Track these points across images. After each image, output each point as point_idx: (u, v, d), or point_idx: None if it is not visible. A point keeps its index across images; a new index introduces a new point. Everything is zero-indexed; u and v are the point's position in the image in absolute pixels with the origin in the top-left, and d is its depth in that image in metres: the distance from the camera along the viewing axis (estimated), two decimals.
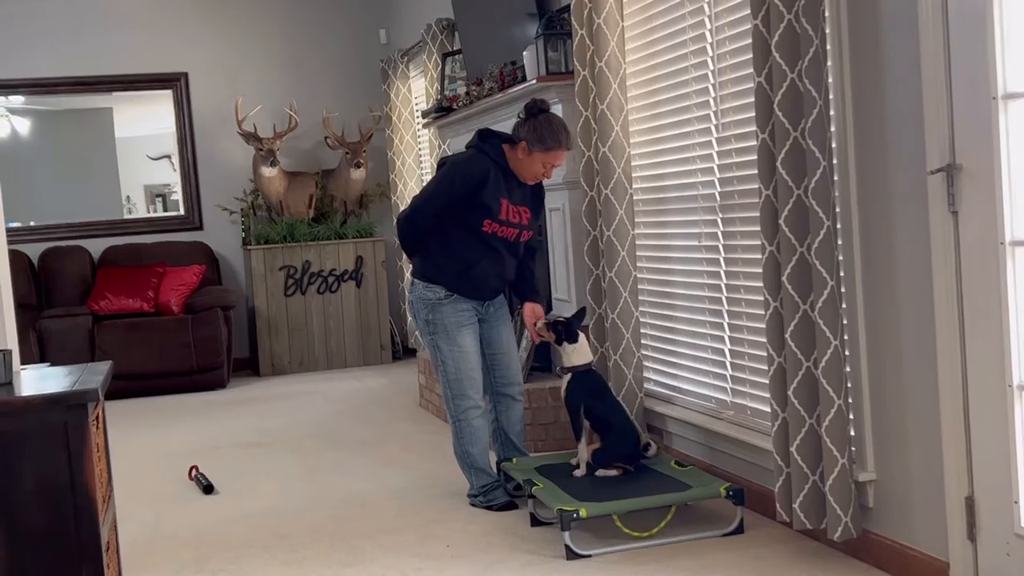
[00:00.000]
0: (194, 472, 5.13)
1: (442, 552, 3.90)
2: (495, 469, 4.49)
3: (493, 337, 4.50)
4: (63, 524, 2.51)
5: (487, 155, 4.30)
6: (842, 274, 3.38)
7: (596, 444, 4.22)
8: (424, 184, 4.21)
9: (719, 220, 4.23)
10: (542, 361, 5.50)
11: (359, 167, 8.56)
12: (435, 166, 4.46)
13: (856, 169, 3.34)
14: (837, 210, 3.35)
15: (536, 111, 4.28)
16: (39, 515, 2.49)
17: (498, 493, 4.39)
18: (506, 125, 5.78)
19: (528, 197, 4.40)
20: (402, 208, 4.24)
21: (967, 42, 2.88)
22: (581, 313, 4.46)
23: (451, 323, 4.34)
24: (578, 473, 4.19)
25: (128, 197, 8.96)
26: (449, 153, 4.39)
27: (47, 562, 2.51)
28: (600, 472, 4.16)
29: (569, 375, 4.29)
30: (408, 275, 4.42)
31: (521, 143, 4.26)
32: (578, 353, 4.30)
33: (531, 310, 4.48)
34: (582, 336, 4.35)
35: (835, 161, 3.35)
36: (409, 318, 4.41)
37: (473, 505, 4.41)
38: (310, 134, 8.89)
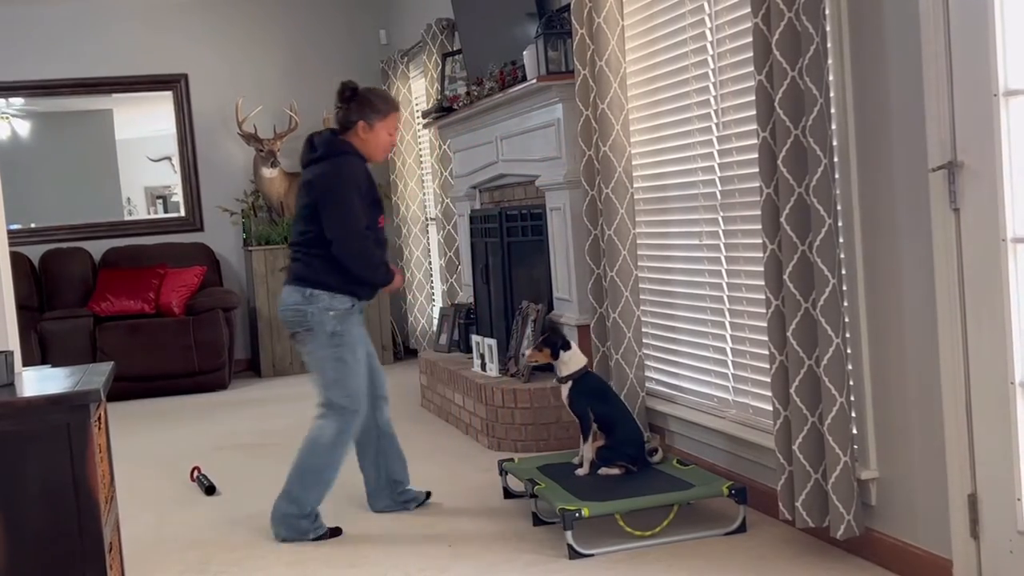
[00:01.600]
0: (196, 473, 5.13)
1: (444, 552, 3.90)
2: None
3: (369, 345, 4.36)
4: (66, 525, 2.51)
5: (350, 154, 4.17)
6: (843, 272, 3.38)
7: (600, 442, 4.23)
8: (339, 206, 4.07)
9: (720, 219, 4.22)
10: None
11: None
12: (304, 190, 4.20)
13: (857, 167, 3.34)
14: (838, 208, 3.35)
15: (350, 93, 4.22)
16: (41, 516, 2.49)
17: (320, 521, 4.16)
18: (508, 125, 5.80)
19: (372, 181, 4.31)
20: (340, 235, 4.03)
21: (968, 39, 2.87)
22: (556, 328, 4.43)
23: (356, 335, 4.20)
24: (581, 472, 4.18)
25: (129, 199, 8.97)
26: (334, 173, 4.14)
27: (50, 563, 2.50)
28: (603, 470, 4.16)
29: (569, 382, 4.29)
30: (292, 286, 4.19)
31: (359, 124, 4.18)
32: (574, 359, 4.29)
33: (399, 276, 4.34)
34: (573, 342, 4.35)
35: (836, 159, 3.34)
36: (297, 331, 4.21)
37: (285, 540, 4.12)
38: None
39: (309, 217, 4.16)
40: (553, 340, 4.32)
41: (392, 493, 4.45)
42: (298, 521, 4.14)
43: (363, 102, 4.21)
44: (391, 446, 4.45)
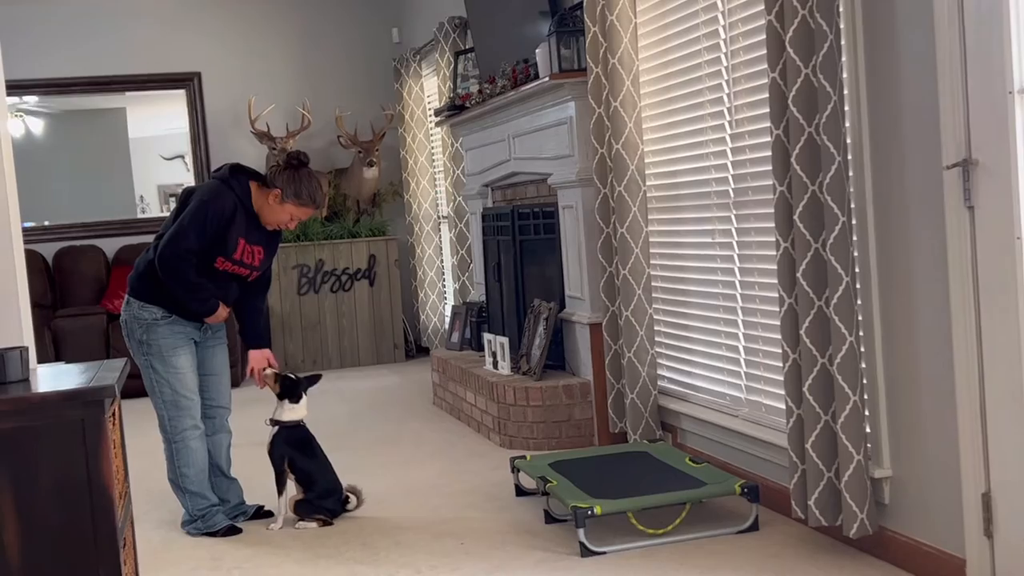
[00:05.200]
0: None
1: (456, 549, 3.90)
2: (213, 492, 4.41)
3: (206, 358, 4.41)
4: (80, 521, 2.51)
5: (234, 191, 4.22)
6: (857, 270, 3.37)
7: (299, 496, 4.32)
8: (186, 215, 4.17)
9: (733, 216, 4.22)
10: (555, 359, 5.49)
11: (372, 166, 8.56)
12: (182, 198, 4.34)
13: (871, 164, 3.33)
14: (852, 206, 3.34)
15: (297, 163, 4.27)
16: (56, 512, 2.50)
17: (219, 518, 4.33)
18: (520, 123, 5.80)
19: (264, 238, 4.31)
20: (164, 245, 4.19)
21: (983, 36, 2.86)
22: (315, 378, 4.45)
23: (165, 344, 4.25)
24: (274, 526, 4.29)
25: (142, 197, 8.99)
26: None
27: (64, 559, 2.51)
28: (300, 524, 4.28)
29: (276, 428, 4.34)
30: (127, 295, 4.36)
31: (275, 190, 4.23)
32: (293, 411, 4.35)
33: (258, 357, 4.41)
34: (304, 399, 4.37)
35: (850, 156, 3.34)
36: (124, 337, 4.39)
37: (189, 533, 4.32)
38: (323, 133, 8.89)
39: (168, 226, 4.26)
40: (297, 386, 4.36)
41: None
42: (190, 525, 4.35)
43: (296, 180, 4.24)
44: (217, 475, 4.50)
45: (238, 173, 4.29)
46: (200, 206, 4.16)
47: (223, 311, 4.31)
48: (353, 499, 4.38)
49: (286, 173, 4.24)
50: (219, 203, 4.17)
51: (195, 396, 4.33)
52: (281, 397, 4.35)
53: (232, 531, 4.31)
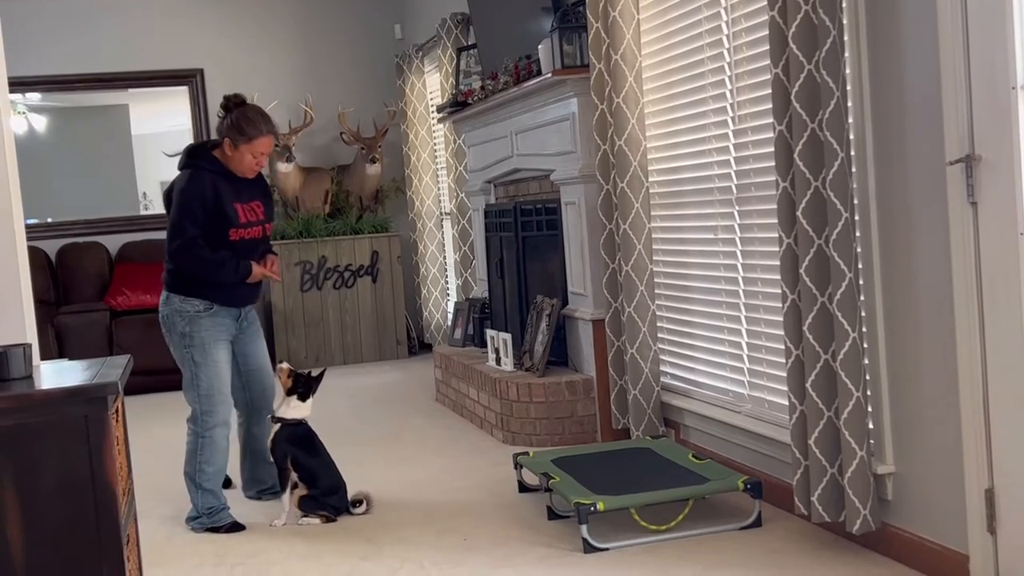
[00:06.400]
0: None
1: (459, 545, 3.90)
2: (223, 494, 4.44)
3: (248, 351, 4.52)
4: (83, 518, 2.51)
5: (203, 168, 4.31)
6: (860, 266, 3.36)
7: (303, 491, 4.32)
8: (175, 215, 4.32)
9: (736, 212, 4.21)
10: (558, 355, 5.50)
11: (374, 162, 8.56)
12: (166, 197, 4.49)
13: (874, 160, 3.33)
14: (855, 202, 3.33)
15: (230, 105, 4.33)
16: (59, 509, 2.50)
17: (224, 515, 4.35)
18: (522, 120, 5.80)
19: (256, 190, 4.43)
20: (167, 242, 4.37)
21: (986, 32, 2.86)
22: (321, 375, 4.45)
23: (208, 336, 4.33)
24: (278, 523, 4.29)
25: (145, 193, 8.99)
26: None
27: (67, 556, 2.51)
28: (303, 520, 4.28)
29: (278, 425, 4.34)
30: (164, 291, 4.45)
31: (225, 141, 4.31)
32: (297, 410, 4.34)
33: (257, 267, 4.40)
34: (311, 399, 4.38)
35: (853, 152, 3.33)
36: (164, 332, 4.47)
37: (193, 529, 4.34)
38: (326, 130, 8.90)
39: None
40: (309, 385, 4.36)
41: (258, 487, 4.69)
42: (195, 521, 4.36)
43: (233, 122, 4.31)
44: (251, 462, 4.66)
45: (197, 151, 4.40)
46: (180, 196, 4.27)
47: (257, 268, 4.38)
48: (363, 505, 4.38)
49: (224, 122, 4.33)
50: (194, 186, 4.27)
51: (228, 393, 4.40)
52: (289, 393, 4.35)
53: (236, 527, 4.31)
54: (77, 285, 8.36)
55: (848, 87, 3.30)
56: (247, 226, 4.34)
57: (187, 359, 4.35)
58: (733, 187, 4.22)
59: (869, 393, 3.39)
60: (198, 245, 4.25)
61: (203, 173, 4.29)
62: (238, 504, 4.64)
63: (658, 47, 4.73)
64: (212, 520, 4.33)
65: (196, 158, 4.36)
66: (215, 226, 4.27)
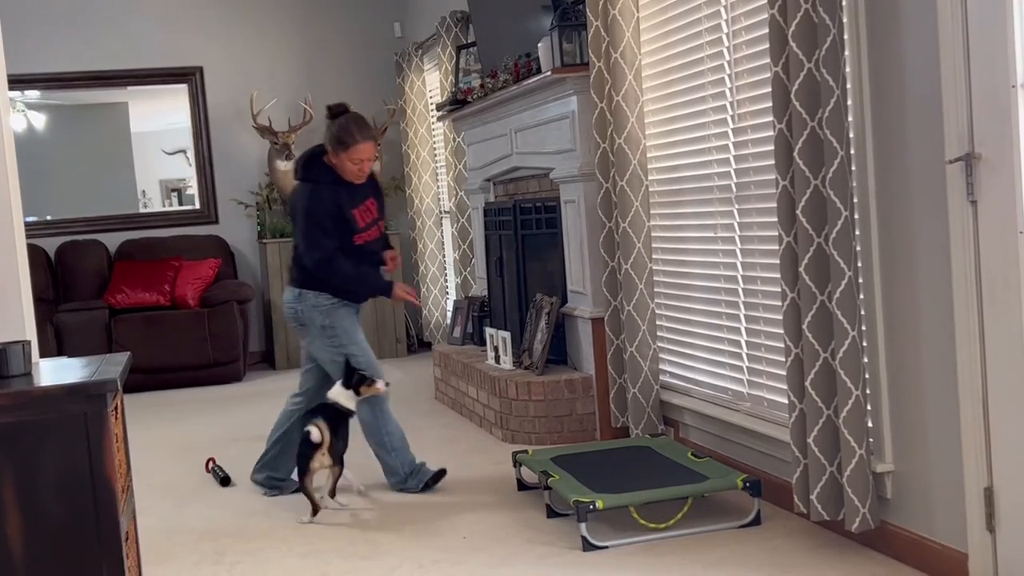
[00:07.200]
0: (211, 464, 5.15)
1: (458, 543, 3.90)
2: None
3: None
4: (83, 515, 2.51)
5: (319, 181, 4.47)
6: (860, 264, 3.36)
7: (331, 474, 4.37)
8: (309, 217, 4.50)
9: (735, 211, 4.21)
10: (557, 354, 5.50)
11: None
12: (290, 206, 4.72)
13: (874, 159, 3.33)
14: (855, 200, 3.33)
15: (332, 115, 4.49)
16: (58, 506, 2.50)
17: (425, 470, 4.59)
18: (522, 118, 5.80)
19: (367, 189, 4.58)
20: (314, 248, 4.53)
21: (986, 31, 2.86)
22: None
23: (348, 323, 4.56)
24: (305, 519, 4.29)
25: (144, 191, 8.99)
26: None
27: (66, 552, 2.51)
28: (335, 504, 4.38)
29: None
30: (289, 287, 4.66)
31: (329, 150, 4.46)
32: (345, 397, 4.42)
33: (400, 287, 4.68)
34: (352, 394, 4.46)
35: (852, 151, 3.33)
36: (294, 326, 4.68)
37: (409, 490, 4.56)
38: (325, 127, 8.87)
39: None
40: (351, 377, 4.46)
41: (270, 473, 4.77)
42: (403, 482, 4.58)
43: (332, 132, 4.48)
44: (283, 446, 4.71)
45: (311, 162, 4.53)
46: (307, 212, 4.45)
47: (398, 290, 4.65)
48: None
49: (328, 130, 4.49)
50: (317, 201, 4.44)
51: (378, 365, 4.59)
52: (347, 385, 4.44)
53: (440, 475, 4.59)
54: (76, 283, 8.36)
55: (848, 86, 3.30)
56: (366, 228, 4.53)
57: (334, 349, 4.52)
58: (733, 185, 4.22)
59: (868, 392, 3.39)
60: (339, 257, 4.45)
61: (320, 187, 4.46)
62: (240, 501, 4.65)
63: (658, 45, 4.73)
64: (417, 480, 4.55)
65: (310, 170, 4.52)
66: (342, 234, 4.46)
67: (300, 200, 4.52)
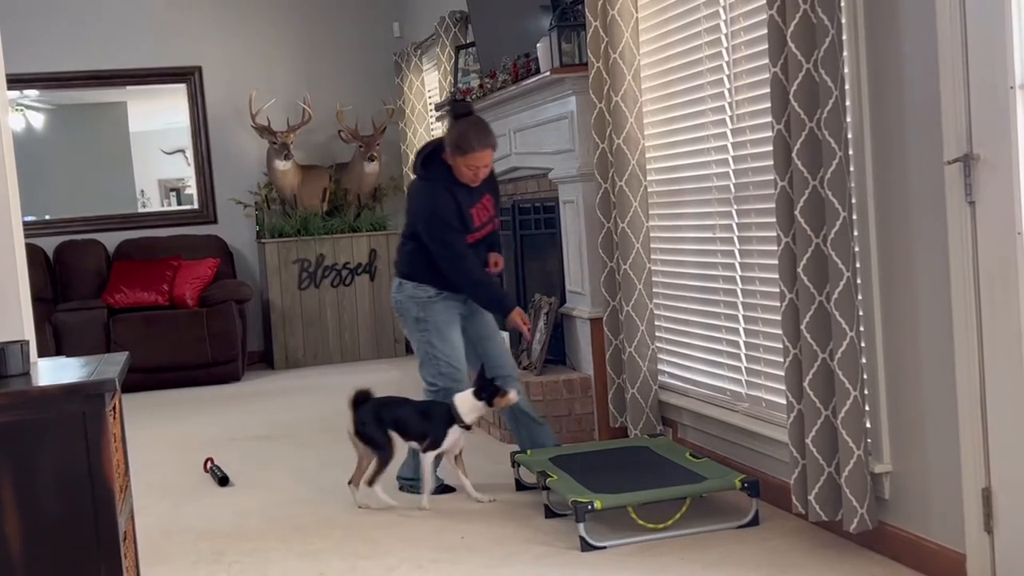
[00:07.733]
0: (209, 464, 5.15)
1: (457, 543, 3.90)
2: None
3: (479, 328, 4.63)
4: (81, 514, 2.51)
5: (439, 181, 4.42)
6: (858, 265, 3.37)
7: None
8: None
9: (734, 212, 4.21)
10: (556, 354, 5.49)
11: (373, 160, 8.56)
12: (410, 204, 4.61)
13: (872, 159, 3.33)
14: (853, 201, 3.34)
15: (455, 115, 4.43)
16: (57, 505, 2.50)
17: (437, 477, 4.51)
18: (521, 118, 5.80)
19: (485, 187, 4.53)
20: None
21: (984, 31, 2.86)
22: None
23: (442, 320, 4.49)
24: (425, 503, 4.34)
25: (142, 191, 8.99)
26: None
27: (65, 552, 2.51)
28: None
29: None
30: (394, 276, 4.66)
31: (447, 151, 4.41)
32: (469, 408, 4.35)
33: (520, 314, 4.53)
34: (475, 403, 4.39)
35: (851, 152, 3.33)
36: (397, 316, 4.66)
37: (409, 490, 4.55)
38: (324, 128, 8.88)
39: (408, 218, 4.61)
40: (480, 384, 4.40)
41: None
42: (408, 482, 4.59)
43: (453, 135, 4.41)
44: (524, 422, 4.68)
45: (429, 159, 4.48)
46: (432, 215, 4.40)
47: (517, 316, 4.51)
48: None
49: (449, 131, 4.44)
50: (438, 201, 4.39)
51: (464, 369, 4.55)
52: (477, 396, 4.35)
53: (446, 490, 4.51)
54: (75, 282, 8.35)
55: (847, 86, 3.30)
56: (479, 228, 4.49)
57: (423, 342, 4.52)
58: (731, 186, 4.22)
59: (867, 392, 3.40)
60: (468, 258, 4.42)
61: (437, 185, 4.41)
62: (239, 500, 4.64)
63: (657, 46, 4.73)
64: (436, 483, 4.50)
65: (429, 168, 4.47)
66: (460, 232, 4.43)
67: (422, 198, 4.49)
